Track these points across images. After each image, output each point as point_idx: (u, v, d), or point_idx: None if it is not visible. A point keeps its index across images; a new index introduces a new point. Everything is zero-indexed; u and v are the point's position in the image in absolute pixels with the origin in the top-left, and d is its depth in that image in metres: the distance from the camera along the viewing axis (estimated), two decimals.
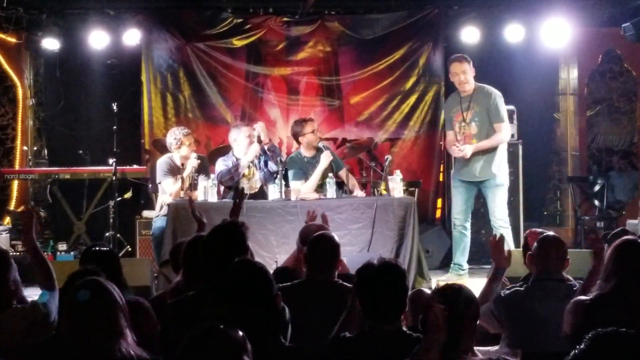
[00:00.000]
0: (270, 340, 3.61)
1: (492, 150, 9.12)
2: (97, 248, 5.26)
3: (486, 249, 9.50)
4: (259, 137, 9.09)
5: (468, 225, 9.34)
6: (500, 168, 9.19)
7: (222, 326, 3.09)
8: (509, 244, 8.20)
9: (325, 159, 9.01)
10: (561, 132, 12.26)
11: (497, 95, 9.18)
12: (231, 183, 9.02)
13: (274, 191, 8.73)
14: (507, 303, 4.89)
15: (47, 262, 4.77)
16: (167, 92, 11.31)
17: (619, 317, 4.10)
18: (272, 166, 9.13)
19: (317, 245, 5.11)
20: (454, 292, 3.79)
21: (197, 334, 3.05)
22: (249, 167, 9.08)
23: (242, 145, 9.06)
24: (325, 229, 5.98)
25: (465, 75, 9.10)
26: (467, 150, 9.06)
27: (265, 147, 9.22)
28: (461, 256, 9.33)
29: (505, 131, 9.22)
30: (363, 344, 3.44)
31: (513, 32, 11.09)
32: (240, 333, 3.06)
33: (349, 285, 4.80)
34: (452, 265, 9.47)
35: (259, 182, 9.12)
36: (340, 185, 9.30)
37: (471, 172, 9.21)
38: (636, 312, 4.15)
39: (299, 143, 9.41)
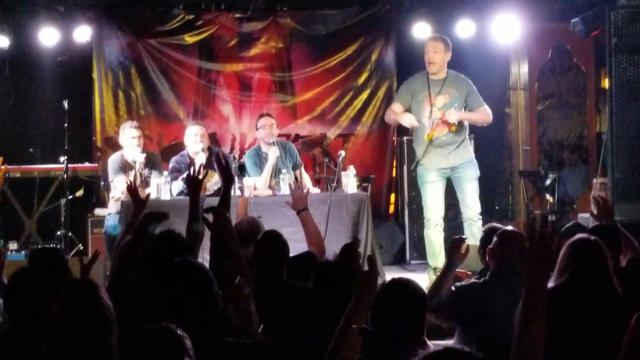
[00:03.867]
0: (212, 337, 3.63)
1: (464, 136, 8.82)
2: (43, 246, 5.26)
3: None
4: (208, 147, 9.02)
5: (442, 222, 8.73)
6: (472, 155, 8.90)
7: (160, 325, 3.07)
8: (477, 238, 6.93)
9: (272, 155, 8.87)
10: (512, 126, 12.37)
11: (471, 81, 8.90)
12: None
13: None
14: (466, 294, 4.94)
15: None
16: (119, 89, 11.21)
17: (572, 308, 4.25)
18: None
19: (266, 244, 5.01)
20: (403, 285, 3.83)
21: (138, 334, 3.02)
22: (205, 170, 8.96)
23: (190, 143, 8.96)
24: (257, 222, 5.92)
25: (434, 55, 8.71)
26: (453, 115, 8.54)
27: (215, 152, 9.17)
28: (440, 258, 8.49)
29: (490, 113, 8.85)
30: None
31: (464, 28, 11.12)
32: (180, 331, 3.04)
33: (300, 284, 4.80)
34: (431, 270, 8.74)
35: (218, 184, 8.98)
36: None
37: (445, 159, 8.71)
38: (587, 304, 4.31)
39: None
